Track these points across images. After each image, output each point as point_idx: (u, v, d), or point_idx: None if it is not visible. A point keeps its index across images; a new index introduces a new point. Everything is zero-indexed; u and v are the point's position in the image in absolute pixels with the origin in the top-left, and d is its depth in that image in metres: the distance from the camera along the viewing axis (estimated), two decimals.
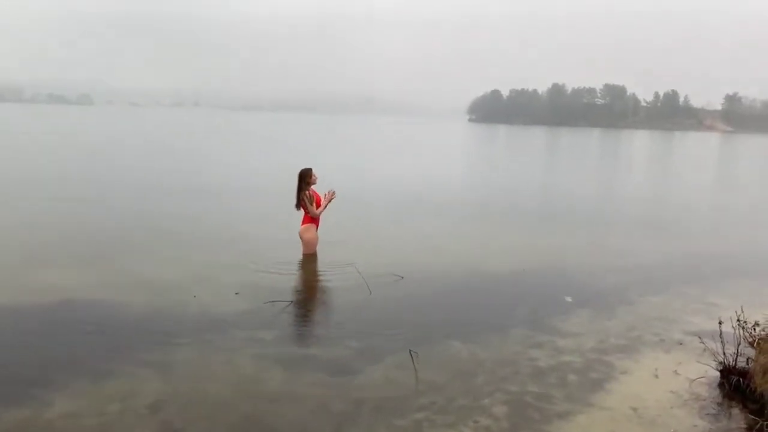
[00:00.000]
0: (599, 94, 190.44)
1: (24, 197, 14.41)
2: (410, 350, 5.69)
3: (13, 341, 5.88)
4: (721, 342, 5.17)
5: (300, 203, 9.01)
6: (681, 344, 6.20)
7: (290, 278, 8.20)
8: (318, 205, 9.09)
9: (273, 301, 6.98)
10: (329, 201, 9.16)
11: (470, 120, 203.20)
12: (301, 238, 9.12)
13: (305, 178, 9.11)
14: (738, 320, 5.19)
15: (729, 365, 5.13)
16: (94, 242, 9.97)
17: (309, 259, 8.98)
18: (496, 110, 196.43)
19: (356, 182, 18.37)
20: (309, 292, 7.77)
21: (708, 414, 4.79)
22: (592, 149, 55.66)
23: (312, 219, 9.11)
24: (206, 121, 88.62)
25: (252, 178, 20.10)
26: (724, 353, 5.18)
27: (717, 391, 5.17)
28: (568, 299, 7.73)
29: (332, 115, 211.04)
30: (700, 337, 5.83)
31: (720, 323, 5.24)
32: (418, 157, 34.64)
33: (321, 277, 8.36)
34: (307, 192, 9.07)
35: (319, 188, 9.08)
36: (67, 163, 24.01)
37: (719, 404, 4.96)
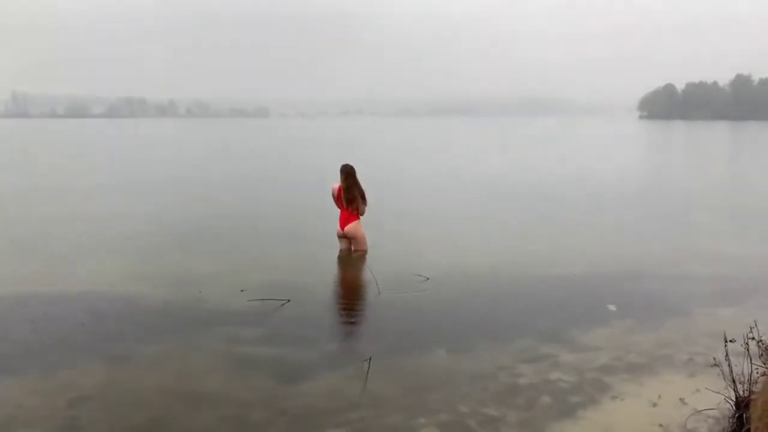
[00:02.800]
0: None
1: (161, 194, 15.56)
2: (369, 359, 5.11)
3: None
4: (729, 365, 4.00)
5: (354, 200, 8.73)
6: (714, 367, 4.96)
7: (307, 276, 7.88)
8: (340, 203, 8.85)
9: (267, 299, 6.70)
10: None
11: (641, 117, 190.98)
12: (351, 236, 8.82)
13: (354, 173, 8.83)
14: (756, 341, 3.98)
15: (740, 397, 3.95)
16: (179, 237, 10.38)
17: (360, 257, 8.70)
18: (670, 105, 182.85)
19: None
20: (314, 291, 7.33)
21: None
22: None
23: (357, 216, 8.80)
24: (394, 128, 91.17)
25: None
26: (734, 381, 4.01)
27: (721, 428, 4.02)
28: (612, 308, 6.64)
29: (494, 117, 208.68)
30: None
31: (730, 341, 4.07)
32: (607, 158, 32.57)
33: (341, 277, 7.95)
34: (359, 189, 8.79)
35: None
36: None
37: None
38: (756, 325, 4.13)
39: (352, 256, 8.76)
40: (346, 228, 8.84)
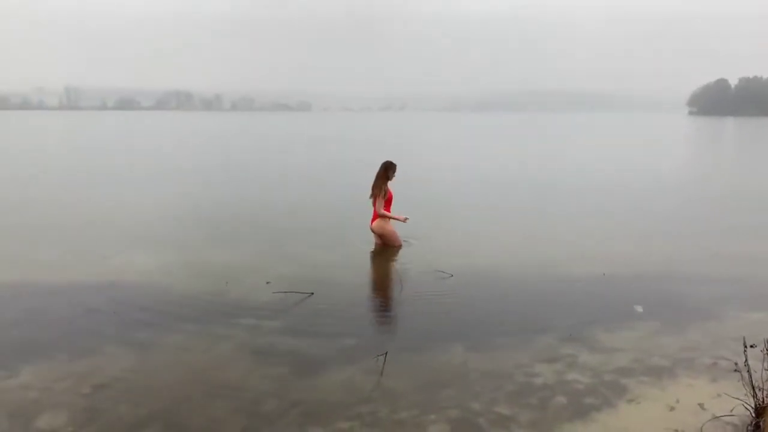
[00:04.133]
0: None
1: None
2: (385, 353, 5.13)
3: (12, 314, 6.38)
4: (748, 371, 3.89)
5: (373, 193, 8.76)
6: (737, 372, 4.82)
7: (333, 270, 7.93)
8: (388, 204, 8.82)
9: (291, 292, 6.78)
10: (398, 218, 8.84)
11: (690, 113, 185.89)
12: (378, 233, 8.86)
13: (389, 170, 8.85)
14: None
15: (759, 404, 3.84)
16: (192, 229, 10.60)
17: (392, 252, 8.76)
18: (722, 101, 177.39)
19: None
20: (338, 285, 7.37)
21: None
22: None
23: (380, 216, 8.82)
24: (442, 123, 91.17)
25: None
26: (753, 387, 3.89)
27: None
28: (639, 309, 6.51)
29: (540, 113, 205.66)
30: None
31: (750, 346, 3.95)
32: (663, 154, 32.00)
33: (365, 272, 7.97)
34: (385, 186, 8.80)
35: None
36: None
37: None
38: None
39: (383, 251, 8.80)
40: (372, 225, 8.89)
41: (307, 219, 11.75)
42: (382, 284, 7.21)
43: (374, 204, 8.79)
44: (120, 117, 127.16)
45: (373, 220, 8.90)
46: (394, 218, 8.82)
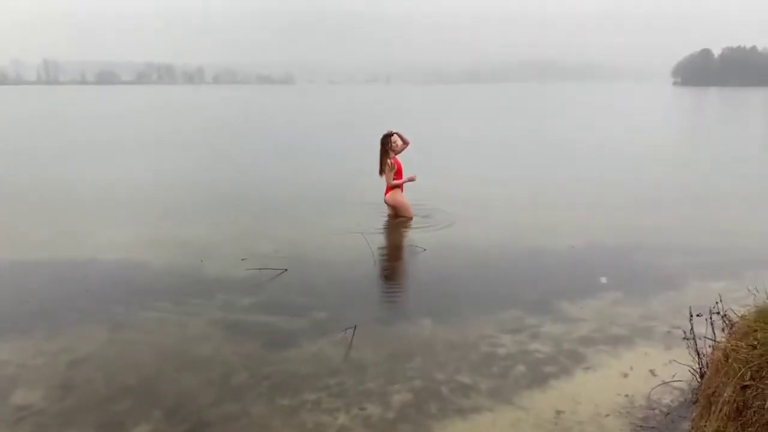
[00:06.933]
0: None
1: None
2: (354, 327, 5.28)
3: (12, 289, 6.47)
4: (693, 339, 4.09)
5: (382, 169, 8.96)
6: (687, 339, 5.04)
7: (307, 246, 8.08)
8: (399, 174, 8.99)
9: (264, 269, 6.91)
10: (408, 180, 9.06)
11: (675, 83, 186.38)
12: (390, 204, 9.09)
13: (385, 144, 9.01)
14: (720, 315, 4.03)
15: (703, 369, 4.05)
16: (178, 204, 10.66)
17: (403, 222, 9.04)
18: (706, 72, 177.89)
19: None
20: (311, 261, 7.50)
21: (643, 428, 3.83)
22: None
23: (392, 186, 9.01)
24: (435, 96, 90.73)
25: None
26: (698, 353, 4.10)
27: (684, 398, 4.12)
28: (603, 280, 6.71)
29: (500, 83, 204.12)
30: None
31: (697, 315, 4.14)
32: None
33: (342, 246, 8.08)
34: (388, 159, 8.95)
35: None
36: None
37: (667, 415, 3.94)
38: (721, 300, 4.18)
39: (395, 221, 9.11)
40: (385, 198, 9.19)
41: (287, 196, 11.81)
42: (355, 260, 7.33)
43: (385, 178, 8.99)
44: (100, 92, 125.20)
45: (386, 192, 9.15)
46: (405, 183, 9.09)
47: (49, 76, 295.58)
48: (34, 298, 6.25)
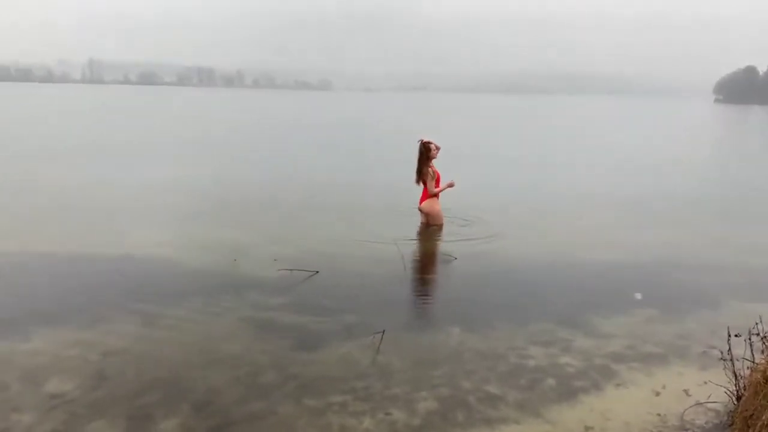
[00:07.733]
0: None
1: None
2: (383, 331, 5.27)
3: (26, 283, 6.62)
4: (731, 359, 3.97)
5: (421, 178, 8.94)
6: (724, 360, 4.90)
7: (341, 249, 8.10)
8: (437, 184, 8.97)
9: (296, 270, 6.95)
10: (447, 187, 9.02)
11: (716, 101, 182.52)
12: (426, 212, 9.07)
13: (426, 152, 8.96)
14: (760, 336, 3.92)
15: (740, 391, 3.93)
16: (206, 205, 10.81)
17: (436, 230, 9.00)
18: (750, 89, 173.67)
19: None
20: (344, 264, 7.51)
21: None
22: None
23: (431, 195, 8.98)
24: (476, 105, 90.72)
25: None
26: (735, 375, 3.98)
27: (719, 420, 4.01)
28: (638, 296, 6.58)
29: (533, 95, 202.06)
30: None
31: (735, 335, 4.03)
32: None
33: (374, 250, 8.08)
34: (429, 168, 8.93)
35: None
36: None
37: None
38: (761, 321, 4.06)
39: (428, 229, 9.05)
40: (421, 205, 9.15)
41: (320, 198, 11.89)
42: (386, 265, 7.32)
43: (425, 186, 8.98)
44: (145, 92, 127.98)
45: (422, 200, 9.12)
46: (444, 189, 9.03)
47: (94, 75, 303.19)
48: (70, 291, 6.39)
